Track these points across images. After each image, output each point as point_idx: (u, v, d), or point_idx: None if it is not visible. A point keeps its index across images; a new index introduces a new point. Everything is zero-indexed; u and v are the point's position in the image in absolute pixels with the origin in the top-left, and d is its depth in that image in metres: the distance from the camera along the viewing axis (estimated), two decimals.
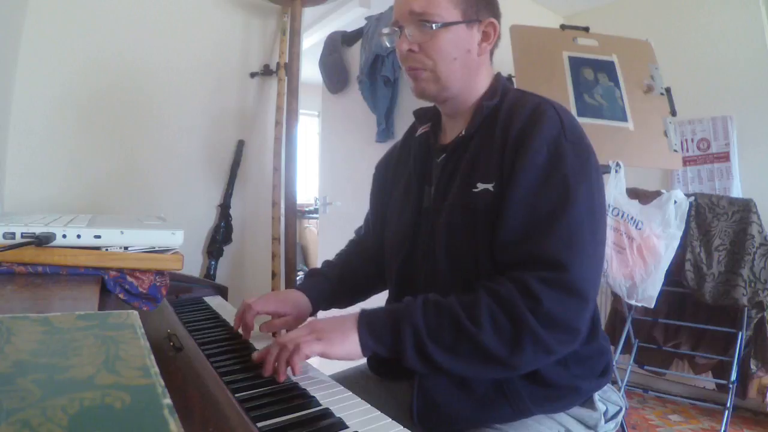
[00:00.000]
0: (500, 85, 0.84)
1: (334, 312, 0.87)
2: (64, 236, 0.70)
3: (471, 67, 0.82)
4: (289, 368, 0.68)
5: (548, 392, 0.75)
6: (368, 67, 2.42)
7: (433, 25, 0.77)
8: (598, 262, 0.71)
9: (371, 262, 1.02)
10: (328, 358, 0.69)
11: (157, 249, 0.75)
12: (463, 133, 0.81)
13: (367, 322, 0.70)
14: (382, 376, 0.91)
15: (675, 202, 1.81)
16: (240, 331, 0.86)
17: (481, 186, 0.75)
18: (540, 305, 0.64)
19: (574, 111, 1.84)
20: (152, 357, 0.34)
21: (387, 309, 0.73)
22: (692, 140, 2.48)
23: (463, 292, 0.71)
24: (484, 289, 0.69)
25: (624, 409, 0.85)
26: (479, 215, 0.74)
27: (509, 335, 0.65)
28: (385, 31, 0.84)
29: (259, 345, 0.82)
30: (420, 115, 0.96)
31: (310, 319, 0.85)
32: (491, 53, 0.86)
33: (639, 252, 1.77)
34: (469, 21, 0.79)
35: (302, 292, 0.94)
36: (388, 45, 0.85)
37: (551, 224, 0.68)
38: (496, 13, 0.84)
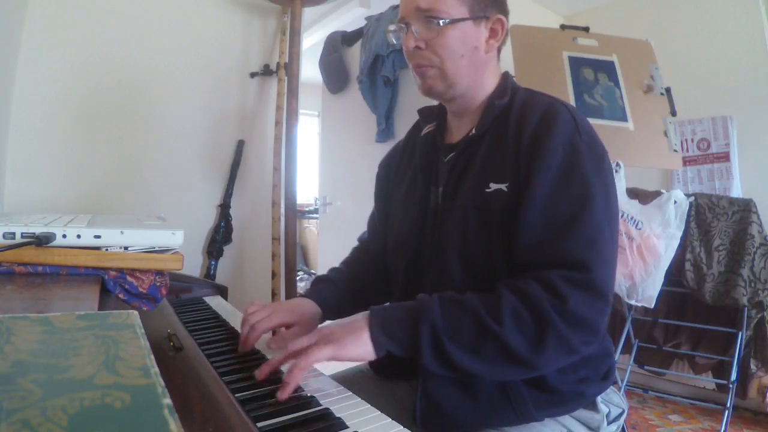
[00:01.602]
0: (509, 83, 0.83)
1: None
2: (64, 236, 0.70)
3: (478, 64, 0.80)
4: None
5: (552, 398, 0.75)
6: (368, 67, 2.42)
7: (440, 22, 0.76)
8: (615, 261, 0.71)
9: (379, 266, 0.98)
10: (339, 360, 0.66)
11: (157, 249, 0.75)
12: (474, 132, 0.80)
13: (379, 320, 0.68)
14: (383, 376, 0.90)
15: (675, 202, 1.81)
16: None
17: (494, 186, 0.74)
18: (566, 304, 0.64)
19: None
20: (152, 357, 0.34)
21: (401, 306, 0.70)
22: (692, 140, 2.48)
23: (475, 292, 0.70)
24: (506, 287, 0.67)
25: (626, 411, 0.85)
26: (493, 215, 0.73)
27: (533, 333, 0.64)
28: (392, 27, 0.82)
29: (262, 347, 0.82)
30: (425, 113, 0.94)
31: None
32: (499, 50, 0.84)
33: (639, 252, 1.77)
34: (477, 17, 0.78)
35: (309, 299, 0.90)
36: (394, 41, 0.83)
37: (572, 225, 0.68)
38: (503, 10, 0.82)
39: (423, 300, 0.69)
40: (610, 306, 0.68)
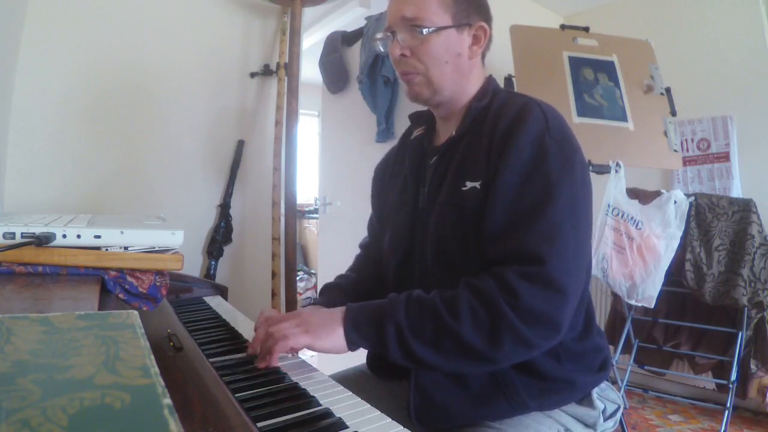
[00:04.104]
0: (491, 87, 0.86)
1: None
2: (64, 236, 0.70)
3: (462, 70, 0.83)
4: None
5: (544, 385, 0.76)
6: (368, 67, 2.42)
7: (424, 30, 0.79)
8: (580, 256, 0.72)
9: (379, 269, 1.00)
10: (314, 350, 0.71)
11: (157, 249, 0.75)
12: (454, 134, 0.83)
13: (352, 317, 0.72)
14: (381, 376, 0.91)
15: (675, 202, 1.81)
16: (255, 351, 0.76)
17: (469, 184, 0.77)
18: (518, 300, 0.65)
19: (574, 111, 1.84)
20: (152, 357, 0.34)
21: (371, 304, 0.74)
22: (692, 140, 2.48)
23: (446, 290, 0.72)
24: (464, 285, 0.70)
25: (622, 407, 0.85)
26: (467, 213, 0.75)
27: (488, 329, 0.66)
28: (379, 36, 0.85)
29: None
30: (414, 118, 0.98)
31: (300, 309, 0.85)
32: (483, 56, 0.87)
33: (639, 252, 1.77)
34: (460, 25, 0.81)
35: (321, 306, 0.91)
36: (381, 49, 0.86)
37: (532, 220, 0.69)
38: (486, 17, 0.85)
39: (391, 299, 0.72)
40: (572, 299, 0.69)
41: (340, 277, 1.02)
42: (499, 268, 0.69)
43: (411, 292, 0.72)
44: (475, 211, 0.75)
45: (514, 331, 0.65)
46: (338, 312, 0.73)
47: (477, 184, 0.76)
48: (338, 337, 0.70)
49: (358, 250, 1.10)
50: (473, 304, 0.67)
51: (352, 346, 0.71)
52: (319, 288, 1.00)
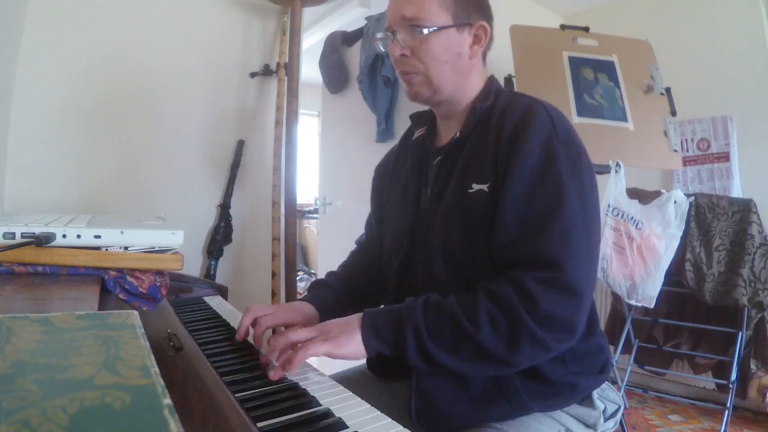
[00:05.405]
0: (493, 87, 0.86)
1: None
2: (64, 236, 0.70)
3: (463, 69, 0.83)
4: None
5: (546, 388, 0.76)
6: (368, 67, 2.42)
7: (424, 30, 0.79)
8: (593, 259, 0.72)
9: (375, 267, 1.00)
10: (334, 357, 0.70)
11: (157, 249, 0.75)
12: (458, 135, 0.82)
13: (370, 322, 0.72)
14: (382, 376, 0.91)
15: (675, 202, 1.81)
16: (249, 339, 0.83)
17: (476, 187, 0.76)
18: (536, 305, 0.65)
19: (574, 111, 1.84)
20: (152, 357, 0.34)
21: (389, 309, 0.74)
22: (692, 140, 2.48)
23: (461, 291, 0.72)
24: (482, 290, 0.70)
25: (622, 408, 0.85)
26: (474, 215, 0.75)
27: (507, 335, 0.66)
28: (379, 36, 0.85)
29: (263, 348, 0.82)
30: (416, 118, 0.97)
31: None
32: (484, 56, 0.87)
33: (639, 252, 1.77)
34: (460, 25, 0.81)
35: (308, 302, 0.92)
36: (382, 49, 0.86)
37: (545, 224, 0.69)
38: (487, 16, 0.85)
39: (409, 304, 0.72)
40: (587, 302, 0.69)
41: (330, 275, 1.02)
42: (516, 272, 0.69)
43: (428, 296, 0.72)
44: (482, 213, 0.74)
45: (532, 336, 0.66)
46: (355, 318, 0.73)
47: (485, 187, 0.75)
48: (357, 342, 0.70)
49: None
50: (492, 310, 0.67)
51: (371, 350, 0.71)
52: None
